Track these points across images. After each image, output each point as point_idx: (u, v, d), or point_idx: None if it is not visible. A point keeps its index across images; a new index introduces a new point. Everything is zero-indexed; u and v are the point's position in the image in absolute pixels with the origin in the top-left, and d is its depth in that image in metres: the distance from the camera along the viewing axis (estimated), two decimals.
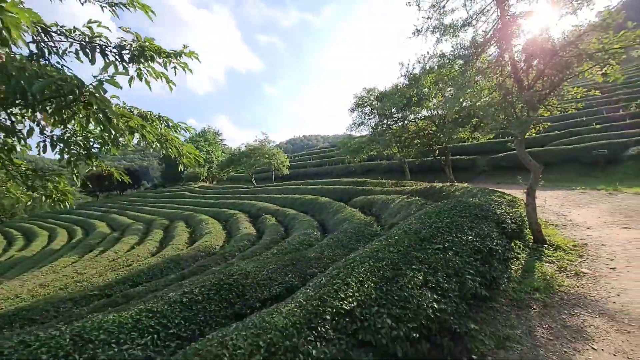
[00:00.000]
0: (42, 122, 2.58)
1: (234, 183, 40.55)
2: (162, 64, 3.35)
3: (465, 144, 21.44)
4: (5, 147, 3.25)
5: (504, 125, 6.91)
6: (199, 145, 43.95)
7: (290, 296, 3.46)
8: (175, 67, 3.55)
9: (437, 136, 14.92)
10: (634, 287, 4.53)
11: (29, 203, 3.72)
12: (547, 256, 5.86)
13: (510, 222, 6.09)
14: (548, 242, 6.42)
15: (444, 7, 7.23)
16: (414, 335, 2.80)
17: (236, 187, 34.23)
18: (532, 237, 6.57)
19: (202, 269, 9.99)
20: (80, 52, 2.86)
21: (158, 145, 2.98)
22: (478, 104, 7.41)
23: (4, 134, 3.24)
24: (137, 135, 2.82)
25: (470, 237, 4.70)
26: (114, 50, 2.99)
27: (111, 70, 2.40)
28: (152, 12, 2.88)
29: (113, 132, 2.39)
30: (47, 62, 2.79)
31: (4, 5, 1.73)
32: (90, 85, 2.12)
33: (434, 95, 14.24)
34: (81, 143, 3.29)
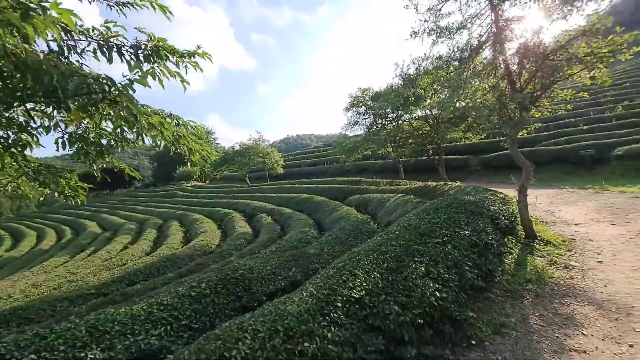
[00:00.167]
0: (69, 118, 2.64)
1: (227, 182, 40.35)
2: (175, 63, 3.46)
3: (458, 144, 21.87)
4: (19, 144, 3.30)
5: (498, 125, 7.18)
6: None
7: (299, 287, 3.60)
8: (186, 66, 3.66)
9: (431, 136, 15.22)
10: (619, 278, 4.81)
11: (41, 199, 3.76)
12: (538, 250, 6.13)
13: (503, 218, 6.34)
14: (539, 238, 6.71)
15: (440, 10, 7.45)
16: (419, 321, 2.98)
17: (230, 186, 34.09)
18: (523, 233, 6.85)
19: (200, 267, 10.03)
20: (98, 51, 2.94)
21: (174, 143, 3.08)
22: (472, 105, 7.65)
23: (16, 130, 3.31)
24: (152, 133, 2.91)
25: (467, 232, 4.91)
26: (130, 50, 3.08)
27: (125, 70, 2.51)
28: (170, 12, 2.98)
29: (137, 129, 2.49)
30: (67, 60, 2.87)
31: (46, 4, 1.83)
32: (119, 84, 2.23)
33: (430, 95, 14.53)
34: (95, 140, 3.37)
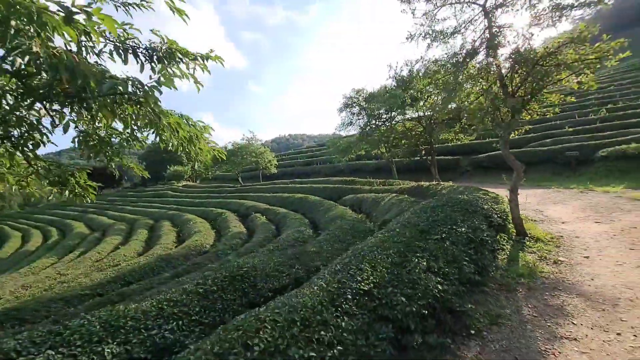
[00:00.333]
0: (84, 118, 2.71)
1: (219, 182, 40.09)
2: (186, 65, 3.55)
3: (450, 144, 22.34)
4: (31, 142, 3.34)
5: (491, 127, 7.46)
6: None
7: (306, 282, 3.73)
8: (194, 68, 3.75)
9: (424, 137, 15.54)
10: (605, 272, 5.10)
11: (50, 198, 3.79)
12: (529, 247, 6.41)
13: (496, 216, 6.61)
14: (529, 235, 7.00)
15: (435, 15, 7.70)
16: (423, 312, 3.16)
17: (222, 186, 33.90)
18: (514, 231, 7.14)
19: (197, 267, 10.04)
20: (114, 53, 3.02)
21: (187, 143, 3.17)
22: (466, 107, 7.91)
23: (27, 129, 3.34)
24: (169, 133, 3.00)
25: (463, 229, 5.14)
26: (145, 52, 3.16)
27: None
28: (187, 16, 3.07)
29: (155, 130, 2.57)
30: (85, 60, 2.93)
31: (90, 9, 1.90)
32: (147, 86, 2.31)
33: (426, 97, 14.85)
34: (107, 139, 3.43)
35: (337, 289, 3.07)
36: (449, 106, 9.15)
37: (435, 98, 13.07)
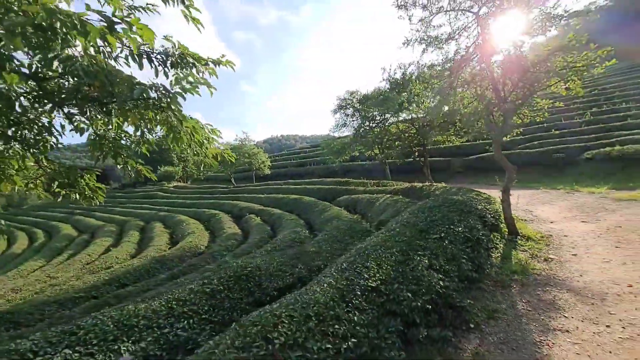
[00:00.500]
0: (101, 121, 2.78)
1: (210, 183, 39.78)
2: (197, 70, 3.64)
3: (441, 146, 22.78)
4: (42, 145, 3.38)
5: (484, 131, 7.74)
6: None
7: (312, 281, 3.86)
8: (203, 73, 3.84)
9: (417, 138, 15.85)
10: (593, 269, 5.39)
11: (59, 200, 3.81)
12: (521, 245, 6.69)
13: (489, 216, 6.87)
14: (520, 234, 7.29)
15: (430, 22, 7.95)
16: (427, 306, 3.33)
17: (214, 187, 33.68)
18: (507, 230, 7.42)
19: (193, 269, 10.02)
20: (130, 58, 3.09)
21: (199, 147, 3.26)
22: (461, 111, 8.18)
23: (38, 131, 3.38)
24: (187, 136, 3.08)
25: (460, 229, 5.35)
26: (159, 57, 3.25)
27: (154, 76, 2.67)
28: (202, 24, 3.17)
29: (174, 134, 2.66)
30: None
31: (129, 19, 1.99)
32: (171, 93, 2.40)
33: (422, 101, 15.16)
34: (117, 141, 3.49)
35: (346, 285, 3.21)
36: (444, 109, 9.41)
37: (430, 102, 13.39)
